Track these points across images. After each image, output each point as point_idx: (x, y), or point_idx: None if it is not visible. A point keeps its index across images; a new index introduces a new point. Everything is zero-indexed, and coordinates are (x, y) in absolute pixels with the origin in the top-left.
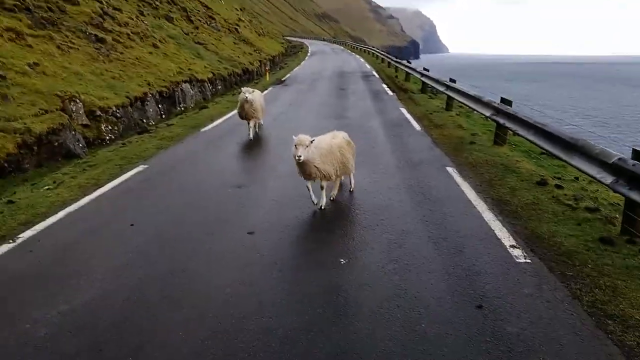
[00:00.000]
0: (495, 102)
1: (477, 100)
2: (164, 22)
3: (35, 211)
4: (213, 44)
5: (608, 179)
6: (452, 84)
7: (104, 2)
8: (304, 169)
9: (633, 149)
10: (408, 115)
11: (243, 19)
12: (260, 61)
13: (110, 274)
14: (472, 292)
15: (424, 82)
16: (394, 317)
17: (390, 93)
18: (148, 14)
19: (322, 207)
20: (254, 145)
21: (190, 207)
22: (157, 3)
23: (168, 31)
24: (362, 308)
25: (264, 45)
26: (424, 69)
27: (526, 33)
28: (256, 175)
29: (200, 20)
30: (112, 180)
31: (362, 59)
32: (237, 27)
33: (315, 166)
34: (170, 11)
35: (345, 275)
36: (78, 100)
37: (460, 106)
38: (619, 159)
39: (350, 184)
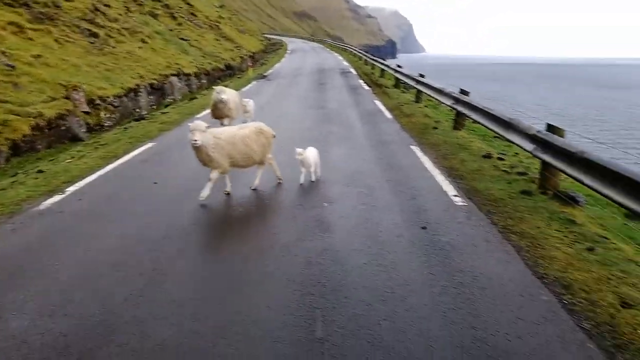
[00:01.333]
0: (454, 93)
1: (440, 91)
2: (149, 18)
3: (72, 174)
4: (196, 40)
5: (530, 147)
6: (421, 79)
7: None
8: (199, 155)
9: (547, 123)
10: (381, 107)
11: (223, 16)
12: (241, 57)
13: (150, 212)
14: (419, 220)
15: (397, 78)
16: (361, 232)
17: (367, 88)
18: (134, 10)
19: (202, 198)
20: None
21: (199, 170)
22: (142, 0)
23: (154, 27)
24: (339, 228)
25: (244, 42)
26: (397, 65)
27: (504, 36)
28: None
29: (182, 17)
30: (128, 153)
31: (340, 57)
32: (218, 24)
33: (208, 154)
34: (154, 8)
35: (328, 212)
36: (80, 90)
37: (430, 100)
38: (537, 131)
39: (256, 179)
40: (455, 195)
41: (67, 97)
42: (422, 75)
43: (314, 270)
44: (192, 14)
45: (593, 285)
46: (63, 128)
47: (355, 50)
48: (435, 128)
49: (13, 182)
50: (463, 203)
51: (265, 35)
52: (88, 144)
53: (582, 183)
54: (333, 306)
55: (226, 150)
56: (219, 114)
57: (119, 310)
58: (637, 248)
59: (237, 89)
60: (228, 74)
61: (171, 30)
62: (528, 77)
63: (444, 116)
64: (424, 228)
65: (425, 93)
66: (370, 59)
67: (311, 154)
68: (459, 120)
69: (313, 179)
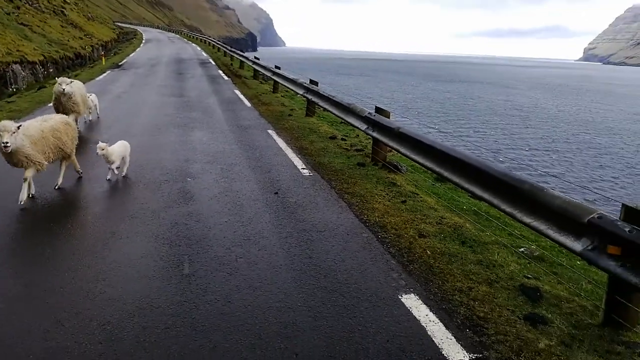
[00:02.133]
0: (306, 83)
1: (293, 82)
2: None
3: None
4: (39, 26)
5: (363, 126)
6: (277, 70)
7: None
8: (12, 158)
9: (375, 106)
10: (241, 96)
11: (68, 2)
12: (92, 46)
13: (12, 191)
14: (272, 188)
15: (255, 69)
16: (223, 199)
17: (226, 78)
18: None
19: (22, 202)
20: (107, 116)
21: None
22: None
23: None
24: (203, 197)
25: (94, 30)
26: (255, 57)
27: (358, 30)
28: (118, 129)
29: (20, 0)
30: None
31: (198, 48)
32: (63, 9)
33: (26, 155)
34: None
35: (191, 185)
36: None
37: (287, 91)
38: (369, 112)
39: (60, 176)
40: (304, 168)
41: None
42: (278, 67)
43: (180, 229)
44: None
45: (401, 225)
46: None
47: (214, 41)
48: (290, 115)
49: None
50: (309, 174)
51: (118, 24)
52: None
53: (399, 152)
54: (197, 252)
55: (40, 146)
56: (62, 108)
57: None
58: (437, 200)
59: (91, 78)
60: (78, 63)
61: (8, 13)
62: (380, 71)
63: (299, 105)
64: (276, 193)
65: (281, 84)
66: (229, 50)
67: (117, 148)
68: (310, 108)
69: (109, 176)
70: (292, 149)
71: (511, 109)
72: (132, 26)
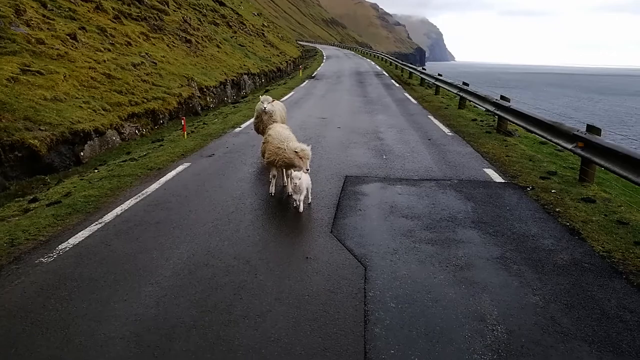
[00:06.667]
0: (460, 84)
1: (451, 84)
2: (214, 27)
3: (234, 122)
4: (250, 46)
5: (492, 109)
6: (439, 77)
7: (181, 13)
8: (266, 125)
9: (500, 95)
10: (409, 97)
11: (266, 25)
12: (286, 62)
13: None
14: (427, 137)
15: (422, 78)
16: (398, 140)
17: (397, 85)
18: (203, 21)
19: (272, 194)
20: (318, 107)
21: (305, 121)
22: (205, 11)
23: (221, 35)
24: (388, 139)
25: (285, 49)
26: (422, 68)
27: (533, 43)
28: (329, 113)
29: (236, 26)
30: None
31: (372, 62)
32: (263, 32)
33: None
34: (215, 18)
35: (381, 135)
36: (194, 80)
37: (447, 94)
38: (495, 99)
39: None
40: (449, 132)
41: (188, 85)
42: (440, 75)
43: (378, 147)
44: (241, 22)
45: (498, 153)
46: (190, 105)
47: (387, 56)
48: (446, 108)
49: (194, 129)
50: (452, 134)
51: (299, 42)
52: (216, 114)
53: (510, 121)
54: (388, 153)
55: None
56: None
57: None
58: (530, 147)
59: (297, 85)
60: (279, 75)
61: (232, 37)
62: (545, 84)
63: (454, 103)
64: (429, 139)
65: (442, 87)
66: (400, 64)
67: (305, 179)
68: (462, 102)
69: (301, 209)
70: (443, 124)
71: None
72: (310, 44)
